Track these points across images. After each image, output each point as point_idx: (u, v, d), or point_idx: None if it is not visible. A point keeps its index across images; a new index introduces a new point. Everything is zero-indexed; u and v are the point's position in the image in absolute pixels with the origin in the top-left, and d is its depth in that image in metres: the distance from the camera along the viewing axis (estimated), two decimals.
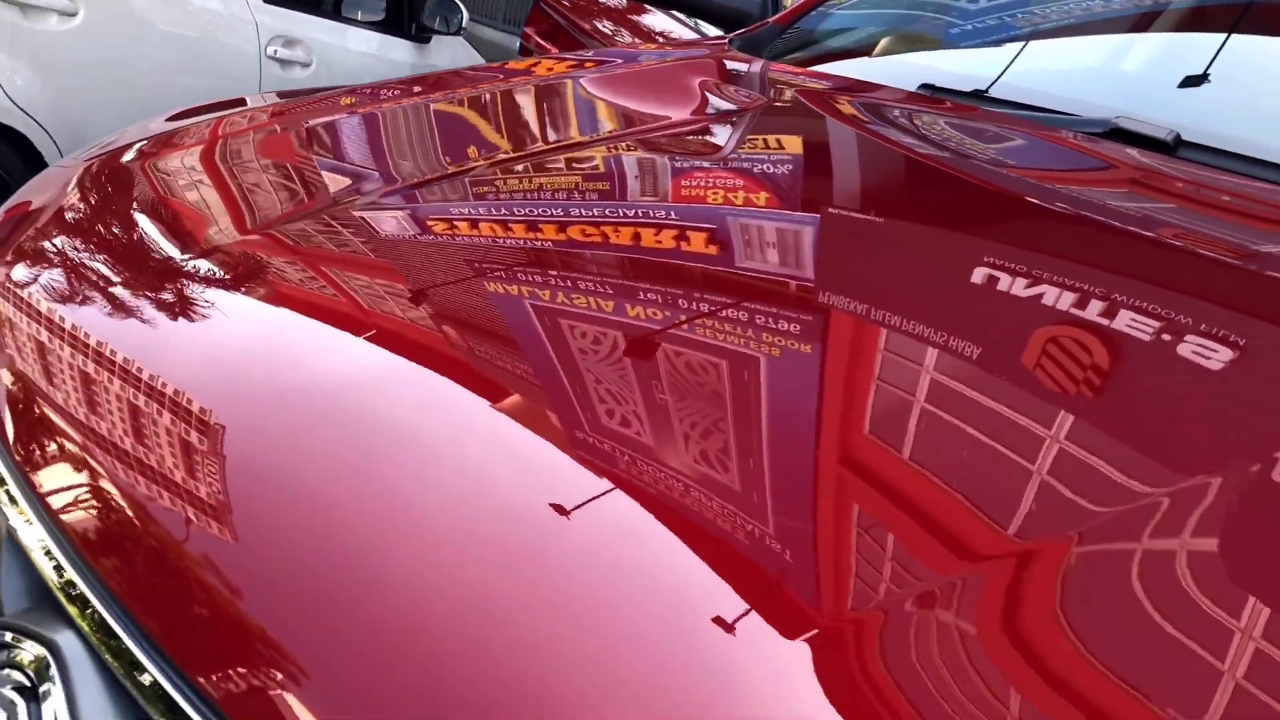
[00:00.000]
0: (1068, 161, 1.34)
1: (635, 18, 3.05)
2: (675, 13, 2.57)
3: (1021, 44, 1.68)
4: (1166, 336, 0.84)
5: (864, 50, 1.80)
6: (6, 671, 0.53)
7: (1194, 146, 1.35)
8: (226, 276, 0.80)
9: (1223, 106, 1.43)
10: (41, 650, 0.54)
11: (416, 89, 1.52)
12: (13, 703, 0.53)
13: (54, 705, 0.52)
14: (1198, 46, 1.54)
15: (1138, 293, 0.93)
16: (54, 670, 0.54)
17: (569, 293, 0.83)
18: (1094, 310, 0.87)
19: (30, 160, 3.21)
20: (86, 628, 0.53)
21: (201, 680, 0.49)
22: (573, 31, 2.87)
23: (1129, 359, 0.80)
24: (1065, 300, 0.89)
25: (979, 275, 0.95)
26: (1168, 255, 1.04)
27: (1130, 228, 1.09)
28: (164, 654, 0.51)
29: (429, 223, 0.95)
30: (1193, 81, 1.47)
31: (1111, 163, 1.32)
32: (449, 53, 4.99)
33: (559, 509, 0.58)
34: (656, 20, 2.96)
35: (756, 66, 1.74)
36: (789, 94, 1.56)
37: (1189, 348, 0.82)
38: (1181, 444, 0.71)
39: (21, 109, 3.13)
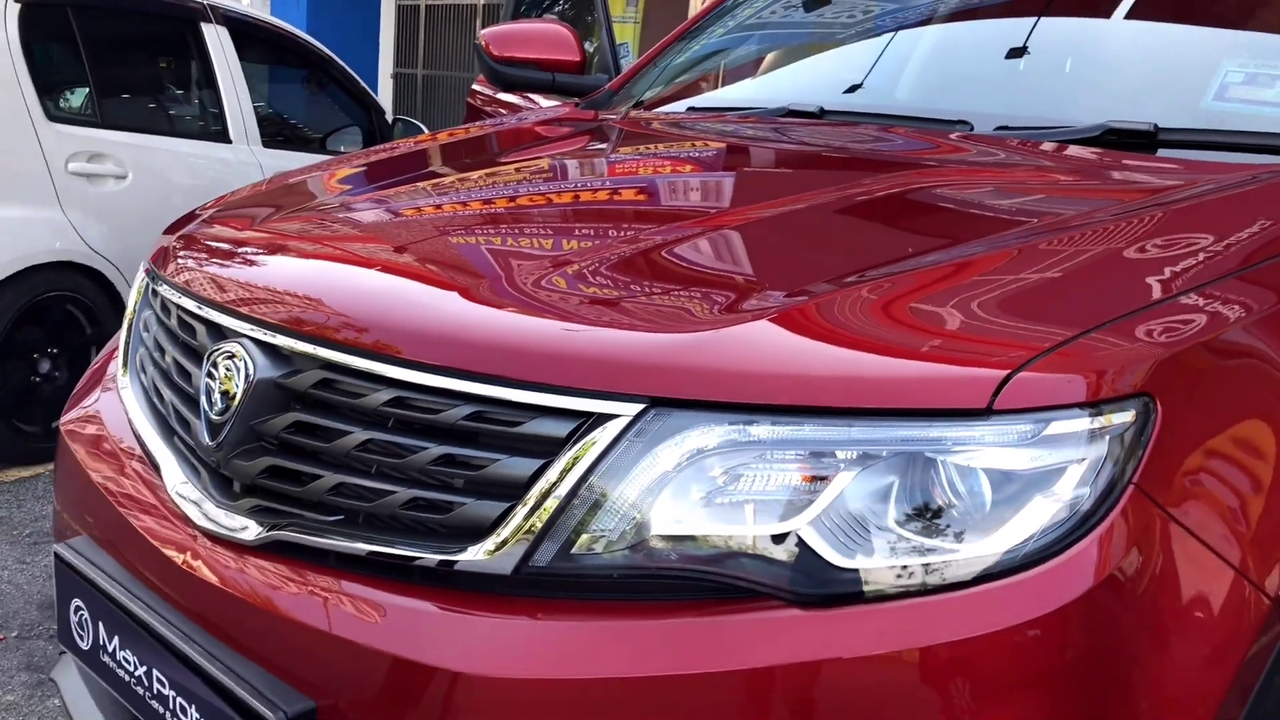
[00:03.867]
0: (768, 130, 2.27)
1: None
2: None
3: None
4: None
5: (670, 98, 2.75)
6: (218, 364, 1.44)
7: (833, 113, 2.27)
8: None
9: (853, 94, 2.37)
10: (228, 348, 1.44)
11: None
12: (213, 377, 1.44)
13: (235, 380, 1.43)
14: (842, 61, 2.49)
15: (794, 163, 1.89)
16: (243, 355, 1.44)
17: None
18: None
19: (110, 295, 4.18)
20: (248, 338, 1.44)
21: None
22: None
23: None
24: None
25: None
26: (810, 156, 2.01)
27: (794, 148, 2.06)
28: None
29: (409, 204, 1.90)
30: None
31: (787, 125, 2.25)
32: None
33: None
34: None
35: (592, 114, 2.69)
36: (615, 125, 2.52)
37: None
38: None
39: (99, 253, 4.12)
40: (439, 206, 1.83)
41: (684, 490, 1.18)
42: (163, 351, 1.68)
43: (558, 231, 1.64)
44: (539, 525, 1.19)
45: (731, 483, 1.18)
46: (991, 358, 1.17)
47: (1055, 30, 2.22)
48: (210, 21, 4.79)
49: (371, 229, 1.71)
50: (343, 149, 5.74)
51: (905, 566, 1.13)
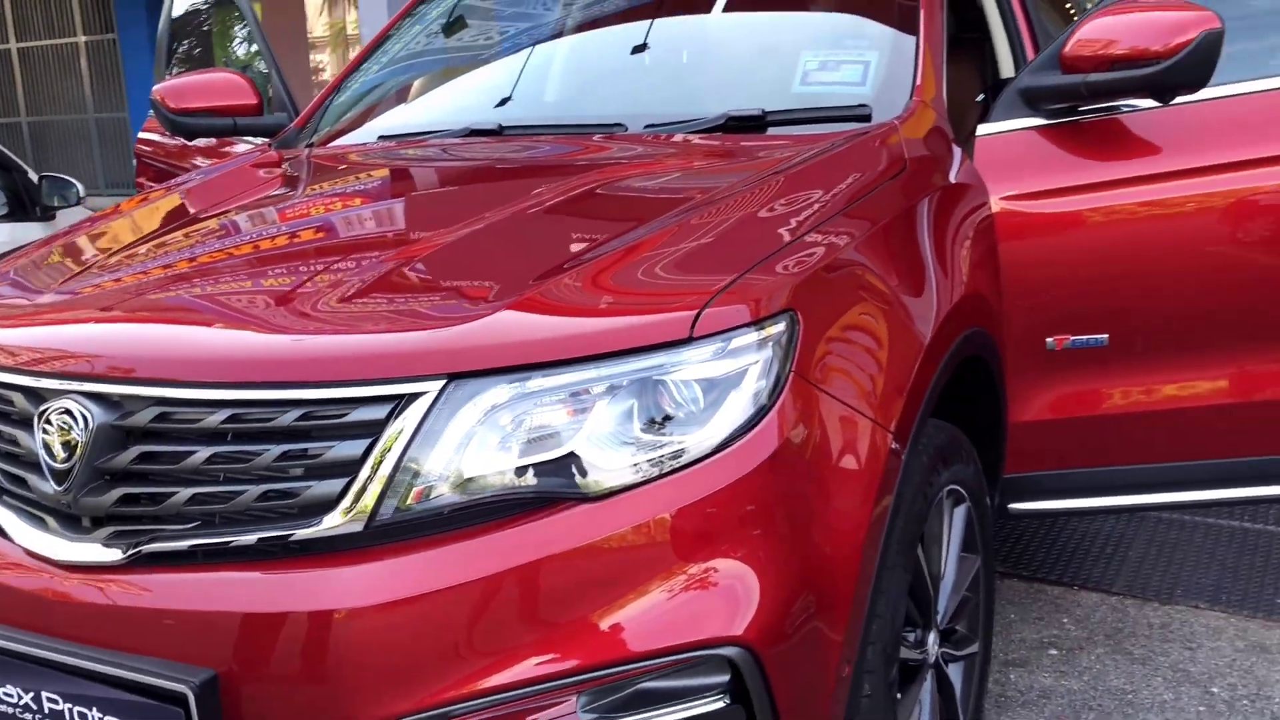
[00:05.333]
0: (457, 152, 2.65)
1: (224, 149, 4.14)
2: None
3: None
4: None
5: (342, 130, 3.06)
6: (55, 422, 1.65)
7: (511, 129, 2.69)
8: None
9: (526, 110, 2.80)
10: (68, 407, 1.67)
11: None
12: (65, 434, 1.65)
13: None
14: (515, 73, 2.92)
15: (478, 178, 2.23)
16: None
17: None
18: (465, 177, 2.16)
19: None
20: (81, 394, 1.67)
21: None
22: (175, 171, 3.96)
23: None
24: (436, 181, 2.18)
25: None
26: (503, 170, 2.38)
27: (486, 164, 2.44)
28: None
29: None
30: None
31: (473, 144, 2.64)
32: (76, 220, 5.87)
33: None
34: (239, 148, 4.06)
35: (282, 152, 2.96)
36: (303, 160, 2.81)
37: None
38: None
39: None
40: (210, 254, 2.08)
41: (485, 440, 1.56)
42: None
43: (330, 261, 1.95)
44: (378, 490, 1.54)
45: (518, 427, 1.57)
46: (686, 302, 1.63)
47: (685, 43, 2.78)
48: None
49: (157, 281, 1.95)
50: None
51: (651, 459, 1.57)
